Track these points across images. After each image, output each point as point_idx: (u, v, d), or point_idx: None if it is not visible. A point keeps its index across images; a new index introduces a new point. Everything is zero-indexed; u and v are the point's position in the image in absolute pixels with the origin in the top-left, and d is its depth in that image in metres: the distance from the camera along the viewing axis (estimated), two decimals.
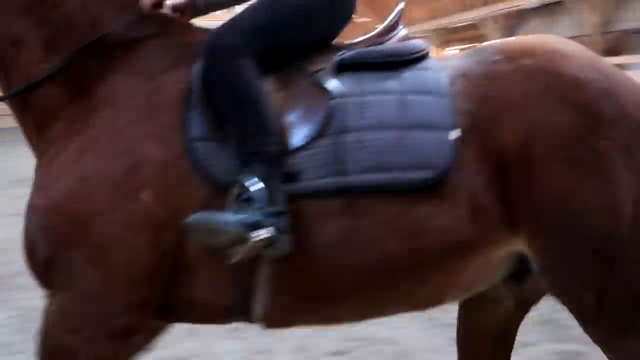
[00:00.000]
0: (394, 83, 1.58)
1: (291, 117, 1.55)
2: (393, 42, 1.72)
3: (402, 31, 1.77)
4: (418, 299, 1.63)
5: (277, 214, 1.45)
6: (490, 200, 1.47)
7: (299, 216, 1.48)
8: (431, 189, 1.47)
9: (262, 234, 1.42)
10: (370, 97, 1.55)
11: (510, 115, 1.48)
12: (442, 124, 1.50)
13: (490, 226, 1.48)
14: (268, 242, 1.43)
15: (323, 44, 1.70)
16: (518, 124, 1.47)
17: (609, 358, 1.55)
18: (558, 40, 1.67)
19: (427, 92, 1.55)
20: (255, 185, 1.45)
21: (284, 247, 1.46)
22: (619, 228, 1.44)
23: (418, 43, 1.72)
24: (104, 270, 1.50)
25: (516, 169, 1.46)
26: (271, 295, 1.55)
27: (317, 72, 1.61)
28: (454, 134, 1.49)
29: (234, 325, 3.74)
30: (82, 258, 1.50)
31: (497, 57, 1.59)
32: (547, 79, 1.51)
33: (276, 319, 1.64)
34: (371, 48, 1.68)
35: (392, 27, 1.76)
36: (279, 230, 1.44)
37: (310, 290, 1.55)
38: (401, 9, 1.81)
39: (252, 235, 1.42)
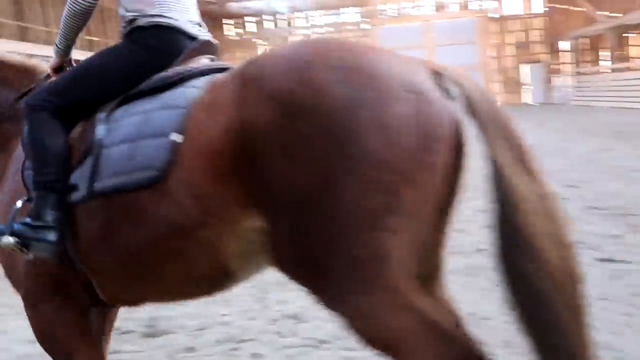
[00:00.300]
0: (151, 104, 1.91)
1: (75, 144, 1.99)
2: (191, 66, 2.02)
3: (204, 58, 2.12)
4: (199, 277, 1.85)
5: (37, 227, 1.89)
6: (212, 187, 1.69)
7: (79, 217, 1.91)
8: (158, 185, 1.75)
9: (3, 240, 1.91)
10: (126, 119, 1.91)
11: (220, 117, 1.70)
12: (167, 132, 1.78)
13: (218, 208, 1.70)
14: (17, 246, 1.90)
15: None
16: (228, 124, 1.68)
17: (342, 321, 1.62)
18: (302, 43, 1.76)
19: (172, 107, 1.84)
20: (17, 204, 1.98)
21: (45, 251, 1.90)
22: (342, 205, 1.52)
23: (197, 65, 2.02)
24: (21, 276, 2.06)
25: (235, 161, 1.66)
26: (93, 281, 1.97)
27: (105, 107, 2.01)
28: (173, 138, 1.75)
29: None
30: (9, 273, 2.11)
31: (236, 68, 1.81)
32: (254, 82, 1.68)
33: (114, 299, 2.05)
34: (152, 78, 2.00)
35: (192, 54, 2.11)
36: (37, 239, 1.88)
37: (105, 275, 1.94)
38: (207, 41, 2.18)
39: None
